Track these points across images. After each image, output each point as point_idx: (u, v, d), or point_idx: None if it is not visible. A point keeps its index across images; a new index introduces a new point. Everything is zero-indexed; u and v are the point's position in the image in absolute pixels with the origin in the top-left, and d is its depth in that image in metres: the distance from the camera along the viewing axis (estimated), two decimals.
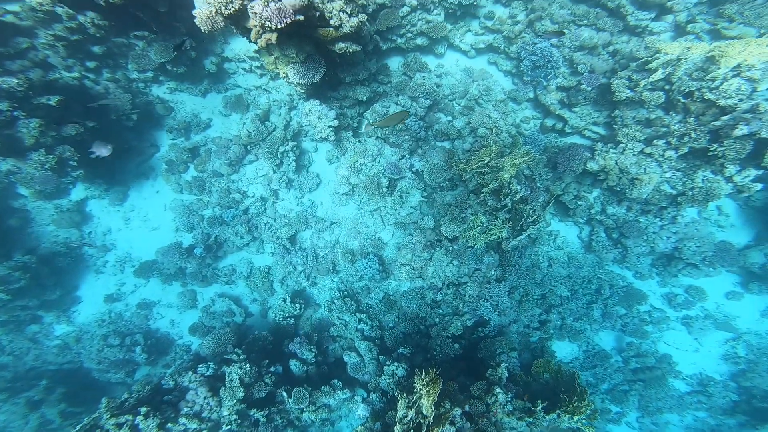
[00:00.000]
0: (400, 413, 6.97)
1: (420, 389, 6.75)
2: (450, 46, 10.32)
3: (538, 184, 9.58)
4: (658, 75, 8.47)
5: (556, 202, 9.96)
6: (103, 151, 8.36)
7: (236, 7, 6.26)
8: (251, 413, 8.17)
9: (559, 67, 9.44)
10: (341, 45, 7.70)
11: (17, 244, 10.27)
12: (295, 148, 10.25)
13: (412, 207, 9.98)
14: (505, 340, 9.13)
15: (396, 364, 8.42)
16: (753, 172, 8.54)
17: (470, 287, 9.18)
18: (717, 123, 8.22)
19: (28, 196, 10.20)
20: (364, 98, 9.55)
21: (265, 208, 10.64)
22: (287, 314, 10.02)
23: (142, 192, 11.09)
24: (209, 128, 11.05)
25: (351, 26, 7.34)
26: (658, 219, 9.94)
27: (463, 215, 8.93)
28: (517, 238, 8.73)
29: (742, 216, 10.49)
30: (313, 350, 9.37)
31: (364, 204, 10.31)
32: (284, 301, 10.09)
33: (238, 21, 6.72)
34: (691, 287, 10.53)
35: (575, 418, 6.80)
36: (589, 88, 9.34)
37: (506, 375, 7.74)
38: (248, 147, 10.50)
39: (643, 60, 8.74)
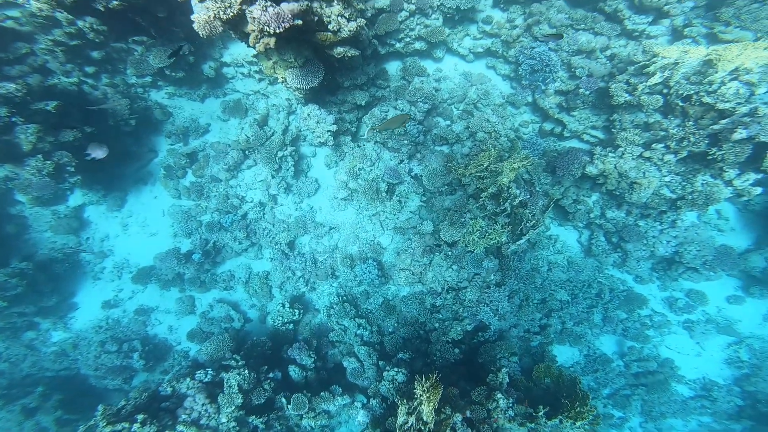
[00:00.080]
0: (400, 419, 6.90)
1: (420, 395, 6.69)
2: (448, 51, 10.35)
3: (538, 189, 9.57)
4: (656, 79, 8.48)
5: (555, 206, 9.93)
6: (98, 152, 8.30)
7: (234, 12, 6.26)
8: (250, 420, 8.08)
9: (557, 71, 9.46)
10: (340, 49, 7.71)
11: (14, 251, 10.21)
12: (293, 153, 10.24)
13: (411, 212, 9.95)
14: (506, 344, 9.07)
15: (396, 369, 8.35)
16: (752, 176, 8.50)
17: (470, 292, 9.12)
18: (716, 127, 8.22)
19: (26, 203, 10.16)
20: (363, 103, 9.56)
21: (264, 214, 10.61)
22: (286, 320, 9.96)
23: (141, 198, 11.05)
24: (208, 133, 11.04)
25: (349, 31, 7.35)
26: (657, 223, 9.91)
27: (463, 220, 8.90)
28: (517, 243, 8.70)
29: (742, 220, 10.48)
30: (313, 356, 9.30)
31: (363, 209, 10.28)
32: (283, 306, 10.02)
33: (236, 26, 6.73)
34: (691, 291, 10.49)
35: (578, 423, 6.74)
36: (588, 92, 9.35)
37: (507, 380, 7.67)
38: (247, 152, 10.48)
39: (641, 64, 8.76)
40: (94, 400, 10.31)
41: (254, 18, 6.24)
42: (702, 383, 10.59)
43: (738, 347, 10.47)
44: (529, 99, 10.16)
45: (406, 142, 9.70)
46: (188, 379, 8.21)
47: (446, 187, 9.57)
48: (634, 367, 10.44)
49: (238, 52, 10.11)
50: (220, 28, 6.44)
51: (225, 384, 8.07)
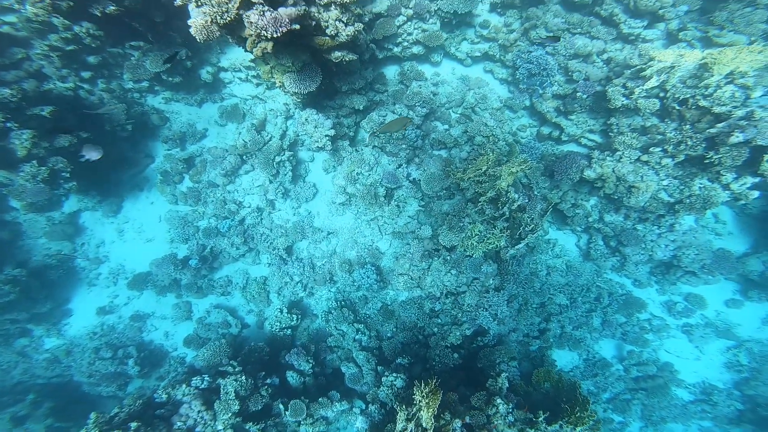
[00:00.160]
0: (399, 426, 6.82)
1: (419, 401, 6.62)
2: (446, 55, 10.37)
3: (536, 193, 9.57)
4: (653, 82, 8.51)
5: (553, 210, 9.93)
6: (93, 154, 8.20)
7: (232, 17, 6.23)
8: (247, 427, 7.97)
9: (554, 75, 9.49)
10: (337, 54, 7.70)
11: (8, 258, 10.09)
12: (291, 158, 10.21)
13: (409, 216, 9.92)
14: (505, 349, 9.02)
15: (395, 374, 8.28)
16: (750, 180, 8.50)
17: (469, 296, 9.09)
18: (712, 130, 8.24)
19: (20, 209, 10.07)
20: (361, 107, 9.56)
21: (262, 219, 10.55)
22: (284, 325, 9.87)
23: (137, 203, 10.99)
24: (205, 138, 11.01)
25: (347, 35, 7.34)
26: (656, 227, 9.92)
27: (461, 224, 8.87)
28: (516, 247, 8.68)
29: (739, 224, 10.51)
30: (311, 361, 9.22)
31: (361, 214, 10.24)
32: (281, 311, 9.95)
33: (233, 30, 6.70)
34: (690, 295, 10.49)
35: (578, 429, 6.69)
36: (585, 96, 9.37)
37: (507, 385, 7.61)
38: (244, 157, 10.44)
39: (638, 67, 8.79)
40: (87, 407, 10.16)
41: (251, 22, 6.21)
42: (702, 387, 10.56)
43: (737, 351, 10.46)
44: (527, 103, 10.18)
45: (404, 146, 9.69)
46: (184, 385, 8.11)
47: (445, 191, 9.56)
48: (633, 371, 10.40)
49: (235, 56, 10.10)
50: (218, 33, 6.41)
51: (222, 390, 7.97)
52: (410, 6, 9.19)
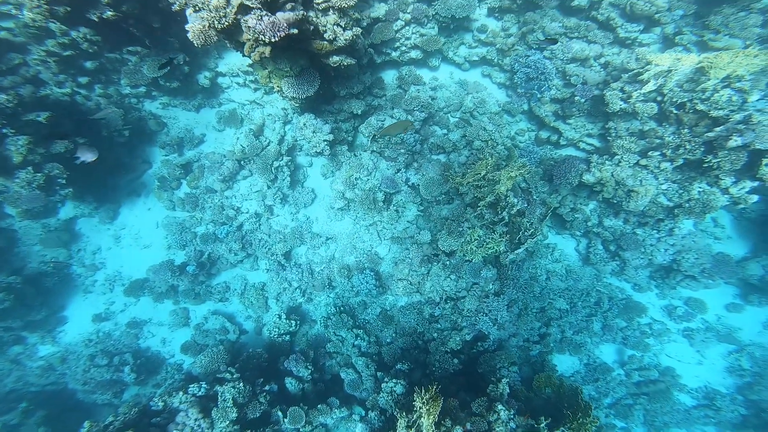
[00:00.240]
0: None
1: (420, 407, 6.54)
2: (444, 59, 10.39)
3: (535, 197, 9.54)
4: (651, 86, 8.53)
5: (552, 214, 9.90)
6: (88, 156, 8.14)
7: (230, 21, 6.23)
8: None
9: (552, 79, 9.50)
10: (336, 58, 7.69)
11: (3, 265, 9.99)
12: (289, 163, 10.17)
13: (408, 221, 9.88)
14: (505, 354, 8.95)
15: (394, 380, 8.19)
16: (749, 184, 8.48)
17: (468, 301, 9.03)
18: (711, 134, 8.25)
19: (15, 216, 9.96)
20: (359, 112, 9.54)
21: (260, 224, 10.49)
22: (282, 331, 9.79)
23: (134, 209, 10.92)
24: (203, 143, 10.97)
25: (345, 40, 7.33)
26: (655, 231, 9.90)
27: (460, 229, 8.83)
28: (515, 252, 8.64)
29: (738, 228, 10.52)
30: (310, 367, 9.12)
31: (359, 219, 10.20)
32: (279, 317, 9.86)
33: (231, 35, 6.69)
34: (690, 299, 10.45)
35: None
36: (583, 100, 9.39)
37: (508, 391, 7.54)
38: (242, 162, 10.40)
39: (635, 71, 8.81)
40: (81, 415, 9.99)
41: (249, 27, 6.20)
42: (704, 392, 10.46)
43: (739, 355, 10.39)
44: (525, 107, 10.19)
45: (403, 151, 9.67)
46: (181, 393, 8.00)
47: (444, 196, 9.53)
48: (635, 376, 10.32)
49: (233, 61, 10.09)
50: (215, 38, 6.40)
51: (219, 398, 7.87)
52: (408, 11, 9.22)
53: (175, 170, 10.57)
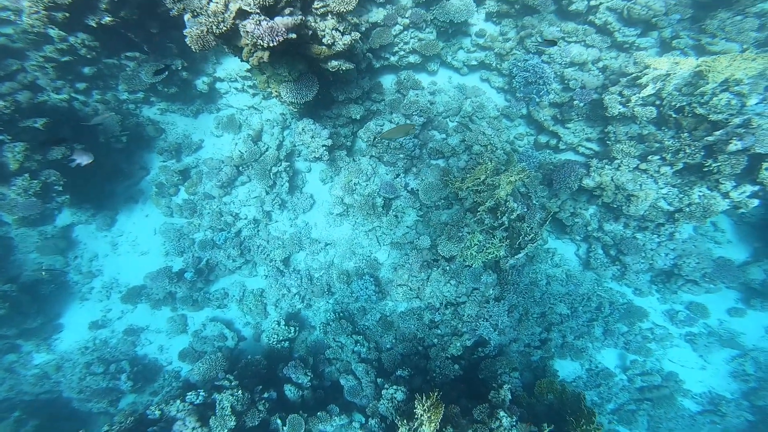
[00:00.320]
0: None
1: (421, 415, 6.45)
2: (443, 64, 10.40)
3: (534, 202, 9.51)
4: (649, 90, 8.53)
5: (552, 219, 9.86)
6: (84, 158, 8.09)
7: (228, 26, 6.21)
8: None
9: (550, 83, 9.51)
10: (334, 63, 7.67)
11: None
12: (288, 169, 10.14)
13: (407, 226, 9.83)
14: (506, 359, 8.88)
15: (395, 387, 8.10)
16: (749, 188, 8.46)
17: (469, 307, 8.97)
18: (710, 138, 8.23)
19: (11, 223, 9.87)
20: (358, 117, 9.52)
21: (258, 230, 10.43)
22: (281, 337, 9.69)
23: (131, 216, 10.85)
24: (201, 149, 10.93)
25: (344, 44, 7.32)
26: (655, 235, 9.87)
27: (460, 234, 8.79)
28: (515, 257, 8.59)
29: (738, 232, 10.48)
30: (309, 374, 9.03)
31: (359, 224, 10.15)
32: (278, 324, 9.77)
33: (229, 40, 6.67)
34: (692, 303, 10.39)
35: None
36: (582, 104, 9.39)
37: (509, 397, 7.45)
38: (240, 168, 10.36)
39: (633, 75, 8.82)
40: (76, 424, 9.89)
41: (248, 32, 6.18)
42: (709, 397, 10.34)
43: (743, 360, 10.28)
44: (524, 111, 10.19)
45: (401, 156, 9.64)
46: (178, 401, 7.89)
47: (443, 201, 9.49)
48: (637, 381, 10.22)
49: (231, 66, 10.09)
50: (213, 43, 6.38)
51: (217, 405, 7.76)
52: (406, 15, 9.24)
53: (172, 176, 10.52)
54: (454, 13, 9.13)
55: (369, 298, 9.55)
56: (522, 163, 9.65)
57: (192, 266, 10.24)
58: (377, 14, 9.04)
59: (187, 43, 6.23)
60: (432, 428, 6.29)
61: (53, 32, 8.31)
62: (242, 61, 6.93)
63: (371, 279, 9.59)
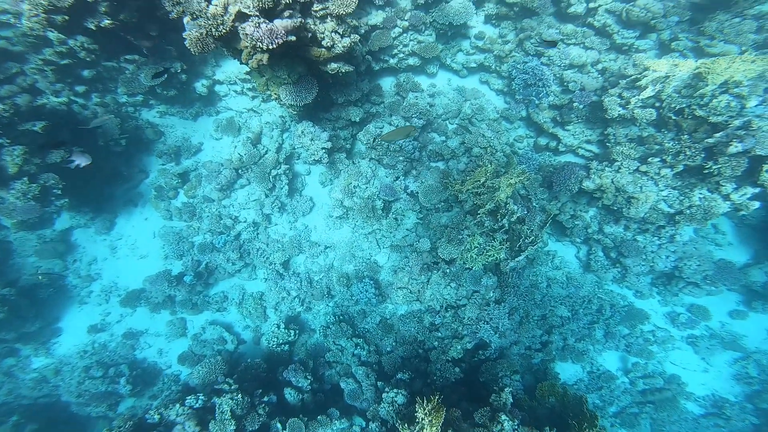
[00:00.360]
0: None
1: (422, 418, 6.40)
2: (442, 66, 10.41)
3: (534, 204, 9.48)
4: (649, 92, 8.52)
5: (552, 221, 9.83)
6: (82, 159, 8.08)
7: (227, 29, 6.21)
8: None
9: (550, 86, 9.50)
10: (333, 65, 7.68)
11: None
12: (287, 171, 10.12)
13: (407, 229, 9.81)
14: (507, 362, 8.83)
15: (395, 390, 8.04)
16: (750, 190, 8.44)
17: (469, 310, 8.92)
18: (710, 140, 8.22)
19: (10, 227, 9.84)
20: (357, 119, 9.52)
21: (258, 234, 10.40)
22: (281, 341, 9.64)
23: (131, 219, 10.82)
24: (200, 152, 10.92)
25: (343, 47, 7.33)
26: (656, 238, 9.84)
27: (460, 237, 8.76)
28: (516, 259, 8.56)
29: (739, 234, 10.45)
30: (309, 377, 8.97)
31: (358, 227, 10.13)
32: (278, 327, 9.72)
33: (229, 42, 6.68)
34: (693, 306, 10.35)
35: None
36: (581, 106, 9.38)
37: (511, 400, 7.40)
38: (240, 171, 10.33)
39: (633, 77, 8.81)
40: (74, 429, 9.84)
41: (247, 34, 6.18)
42: (712, 400, 10.27)
43: (746, 363, 10.22)
44: (523, 113, 10.18)
45: (401, 158, 9.63)
46: (178, 405, 7.83)
47: (443, 203, 9.47)
48: (640, 384, 10.15)
49: (230, 69, 10.09)
50: (213, 45, 6.38)
51: (217, 409, 7.71)
52: (406, 18, 9.24)
53: (172, 179, 10.50)
54: (453, 15, 9.14)
55: (369, 301, 9.51)
56: (522, 166, 9.64)
57: (191, 269, 10.20)
58: (376, 17, 9.05)
59: (187, 45, 6.24)
60: None
61: (53, 35, 8.31)
62: (241, 63, 6.93)
63: (371, 282, 9.55)
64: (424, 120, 9.76)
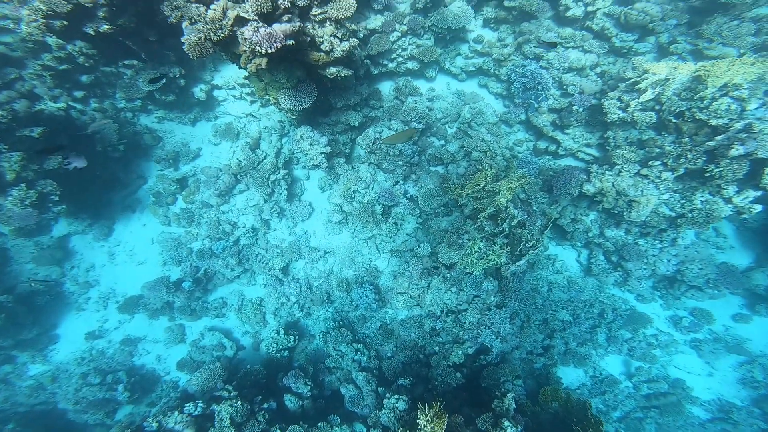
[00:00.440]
0: None
1: (424, 425, 6.32)
2: (441, 70, 10.40)
3: (535, 208, 9.44)
4: (648, 95, 8.51)
5: (553, 225, 9.78)
6: (79, 162, 8.03)
7: (226, 33, 6.20)
8: None
9: (549, 89, 9.49)
10: (332, 70, 7.65)
11: None
12: (286, 177, 10.08)
13: (407, 234, 9.75)
14: (509, 367, 8.75)
15: (396, 396, 7.95)
16: (752, 193, 8.39)
17: (470, 314, 8.85)
18: (711, 143, 8.19)
19: (8, 234, 9.77)
20: (356, 123, 9.50)
21: (257, 239, 10.34)
22: (281, 346, 9.55)
23: (129, 225, 10.77)
24: (198, 158, 10.88)
25: (342, 51, 7.31)
26: (657, 241, 9.78)
27: (460, 241, 8.70)
28: (516, 264, 8.48)
29: (741, 238, 10.40)
30: (309, 383, 8.88)
31: (358, 232, 10.07)
32: (277, 333, 9.64)
33: (227, 47, 6.66)
34: (696, 310, 10.28)
35: None
36: (581, 109, 9.36)
37: (513, 406, 7.31)
38: (238, 176, 10.29)
39: (632, 80, 8.80)
40: None
41: (246, 39, 6.16)
42: (718, 405, 10.15)
43: (751, 367, 10.11)
44: (523, 117, 10.16)
45: (401, 163, 9.59)
46: (176, 412, 7.73)
47: (443, 208, 9.42)
48: (643, 388, 10.05)
49: (229, 74, 10.08)
50: (211, 50, 6.36)
51: (216, 417, 7.62)
52: (404, 22, 9.25)
53: (170, 185, 10.45)
54: (452, 19, 9.14)
55: (369, 306, 9.44)
56: (522, 169, 9.60)
57: (190, 275, 10.13)
58: (375, 21, 9.05)
59: (185, 50, 6.21)
60: None
61: (51, 40, 8.30)
62: (240, 68, 6.90)
63: (371, 287, 9.48)
64: (423, 124, 9.74)
